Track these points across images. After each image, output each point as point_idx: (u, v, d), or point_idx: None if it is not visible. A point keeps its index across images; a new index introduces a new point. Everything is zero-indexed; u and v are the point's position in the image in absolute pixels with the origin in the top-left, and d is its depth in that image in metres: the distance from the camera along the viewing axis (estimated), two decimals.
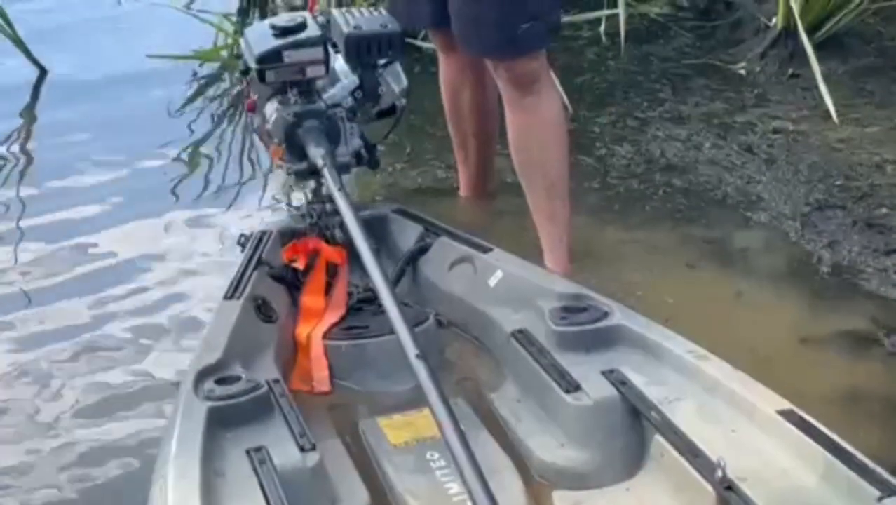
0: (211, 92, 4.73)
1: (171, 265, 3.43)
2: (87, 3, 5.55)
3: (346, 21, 2.96)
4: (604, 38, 4.75)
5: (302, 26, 2.89)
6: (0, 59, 4.91)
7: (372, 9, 3.09)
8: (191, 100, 4.63)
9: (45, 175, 4.11)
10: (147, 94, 4.66)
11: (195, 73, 4.80)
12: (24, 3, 5.17)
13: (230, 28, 4.90)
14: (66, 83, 4.78)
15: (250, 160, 4.10)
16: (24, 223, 3.78)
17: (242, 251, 2.87)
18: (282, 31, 2.88)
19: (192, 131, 4.36)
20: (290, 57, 2.85)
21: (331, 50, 2.93)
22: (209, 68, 4.85)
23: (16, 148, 4.36)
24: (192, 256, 3.47)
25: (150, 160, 4.13)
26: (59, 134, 4.42)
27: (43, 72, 4.85)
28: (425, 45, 4.36)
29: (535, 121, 3.15)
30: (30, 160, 4.29)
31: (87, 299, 3.31)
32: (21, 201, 3.94)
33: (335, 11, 3.04)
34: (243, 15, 5.22)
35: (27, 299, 3.37)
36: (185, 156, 4.18)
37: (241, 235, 2.94)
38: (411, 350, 2.18)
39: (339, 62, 2.97)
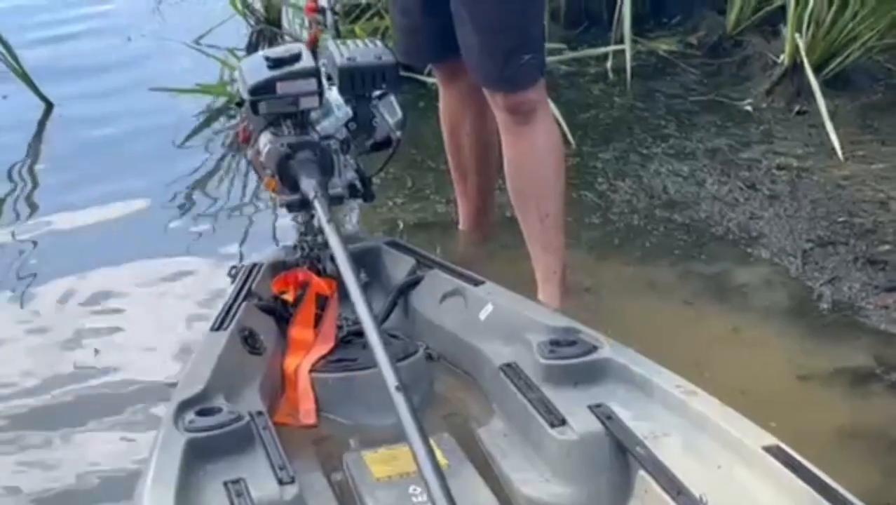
0: (217, 126, 4.72)
1: (163, 295, 3.44)
2: (95, 37, 5.57)
3: (341, 52, 2.95)
4: (610, 75, 4.73)
5: (296, 58, 2.88)
6: (6, 94, 4.94)
7: (368, 40, 3.08)
8: (196, 133, 4.63)
9: (48, 206, 4.13)
10: (154, 128, 4.67)
11: (203, 108, 4.80)
12: (31, 36, 5.21)
13: (236, 63, 4.89)
14: (71, 117, 4.80)
15: (251, 193, 4.09)
16: (25, 255, 3.81)
17: (233, 283, 2.85)
18: (276, 63, 2.86)
19: (195, 165, 4.36)
20: (283, 88, 2.83)
21: (325, 81, 2.91)
22: (217, 103, 4.85)
23: (20, 181, 4.37)
24: (186, 288, 3.47)
25: (153, 193, 4.13)
26: (64, 168, 4.44)
27: (49, 106, 4.86)
28: (430, 80, 4.36)
29: (531, 149, 3.14)
30: (34, 193, 4.30)
31: (74, 326, 3.32)
32: (24, 233, 3.95)
33: (330, 43, 3.03)
34: (252, 50, 5.21)
35: (23, 325, 3.39)
36: (186, 189, 4.18)
37: (232, 267, 2.92)
38: (392, 381, 2.15)
39: (333, 94, 2.95)
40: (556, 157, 3.18)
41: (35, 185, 4.37)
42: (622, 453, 2.26)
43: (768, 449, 2.12)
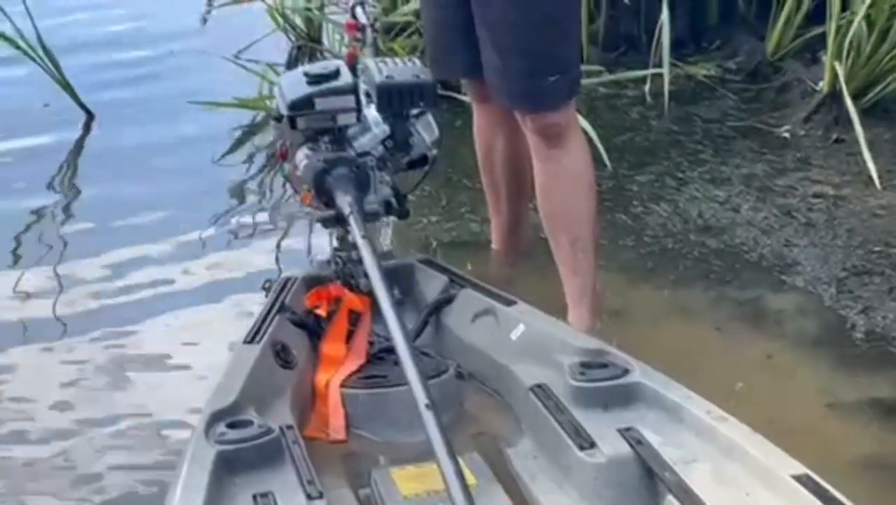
0: (255, 140, 4.75)
1: (196, 308, 3.46)
2: (137, 49, 5.61)
3: (379, 70, 2.96)
4: (648, 98, 4.73)
5: (335, 74, 2.89)
6: (48, 103, 4.98)
7: (406, 58, 3.09)
8: (234, 147, 4.66)
9: (85, 215, 4.20)
10: (192, 141, 4.71)
11: (241, 122, 4.83)
12: (74, 47, 5.25)
13: (275, 78, 4.91)
14: (112, 128, 4.84)
15: (287, 207, 4.11)
16: (58, 262, 3.85)
17: (266, 296, 2.86)
18: (315, 79, 2.87)
19: (232, 178, 4.39)
20: (321, 104, 2.85)
21: (363, 98, 2.93)
22: (256, 117, 4.87)
23: (59, 189, 4.42)
24: (219, 300, 3.49)
25: (190, 205, 4.17)
26: (103, 178, 4.49)
27: (90, 116, 4.90)
28: (468, 99, 4.36)
29: (561, 172, 3.16)
30: (72, 202, 4.35)
31: (110, 336, 3.35)
32: (59, 240, 4.00)
33: (369, 60, 3.03)
34: (292, 66, 5.23)
35: (58, 329, 3.46)
36: (223, 202, 4.20)
37: (266, 281, 2.93)
38: (422, 399, 2.16)
39: (371, 111, 2.96)
40: (586, 182, 3.19)
41: (74, 193, 4.42)
42: (651, 478, 2.25)
43: (797, 477, 2.11)
